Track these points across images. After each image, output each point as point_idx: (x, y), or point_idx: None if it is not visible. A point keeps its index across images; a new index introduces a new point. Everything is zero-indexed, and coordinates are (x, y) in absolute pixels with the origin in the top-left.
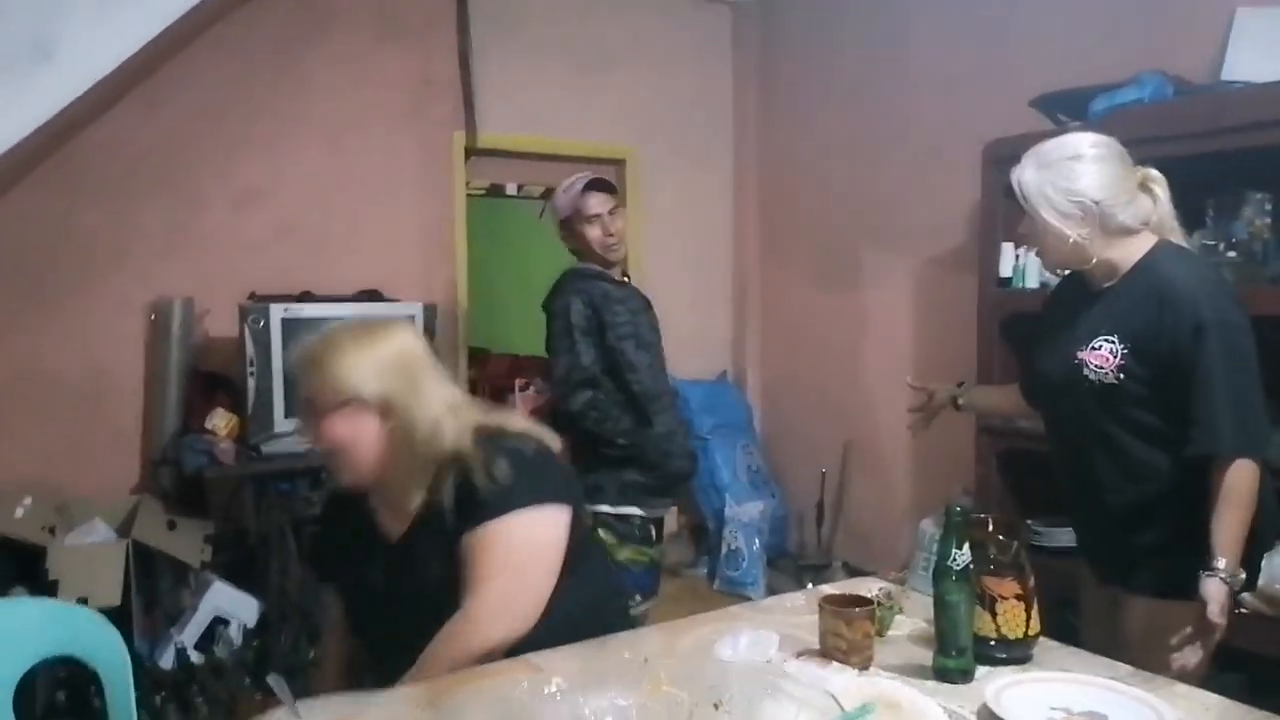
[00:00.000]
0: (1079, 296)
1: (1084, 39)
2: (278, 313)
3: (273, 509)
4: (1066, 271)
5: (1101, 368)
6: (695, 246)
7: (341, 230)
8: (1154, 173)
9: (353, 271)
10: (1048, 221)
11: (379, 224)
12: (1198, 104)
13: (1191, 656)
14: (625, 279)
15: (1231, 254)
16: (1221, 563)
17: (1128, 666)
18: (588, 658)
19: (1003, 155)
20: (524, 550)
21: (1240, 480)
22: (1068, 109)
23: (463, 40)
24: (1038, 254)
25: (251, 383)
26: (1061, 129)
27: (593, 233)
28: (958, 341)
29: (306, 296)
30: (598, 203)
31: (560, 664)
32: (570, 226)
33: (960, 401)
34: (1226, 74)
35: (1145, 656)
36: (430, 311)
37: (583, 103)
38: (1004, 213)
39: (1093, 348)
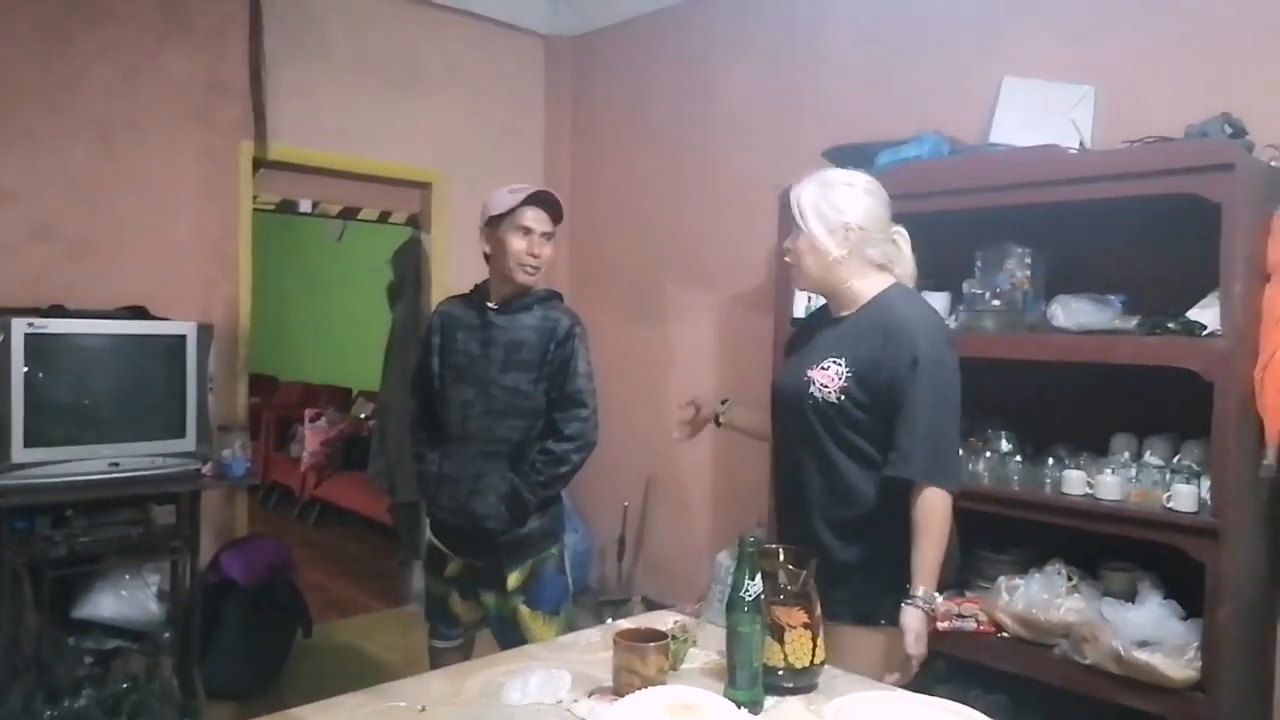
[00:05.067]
0: (821, 324)
1: (872, 98)
2: (20, 328)
3: (6, 550)
4: (810, 300)
5: (826, 386)
6: None
7: (107, 238)
8: (900, 228)
9: (118, 284)
10: (815, 236)
11: (151, 233)
12: (968, 163)
13: (890, 680)
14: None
15: (996, 303)
16: (920, 590)
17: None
18: (356, 708)
19: None
20: None
21: (933, 509)
22: (855, 161)
23: (255, 45)
24: (793, 272)
25: None
26: None
27: (517, 243)
28: (756, 377)
29: (57, 310)
30: (535, 217)
31: (325, 716)
32: (495, 227)
33: (721, 419)
34: (994, 137)
35: None
36: (205, 332)
37: (387, 122)
38: None
39: (822, 367)
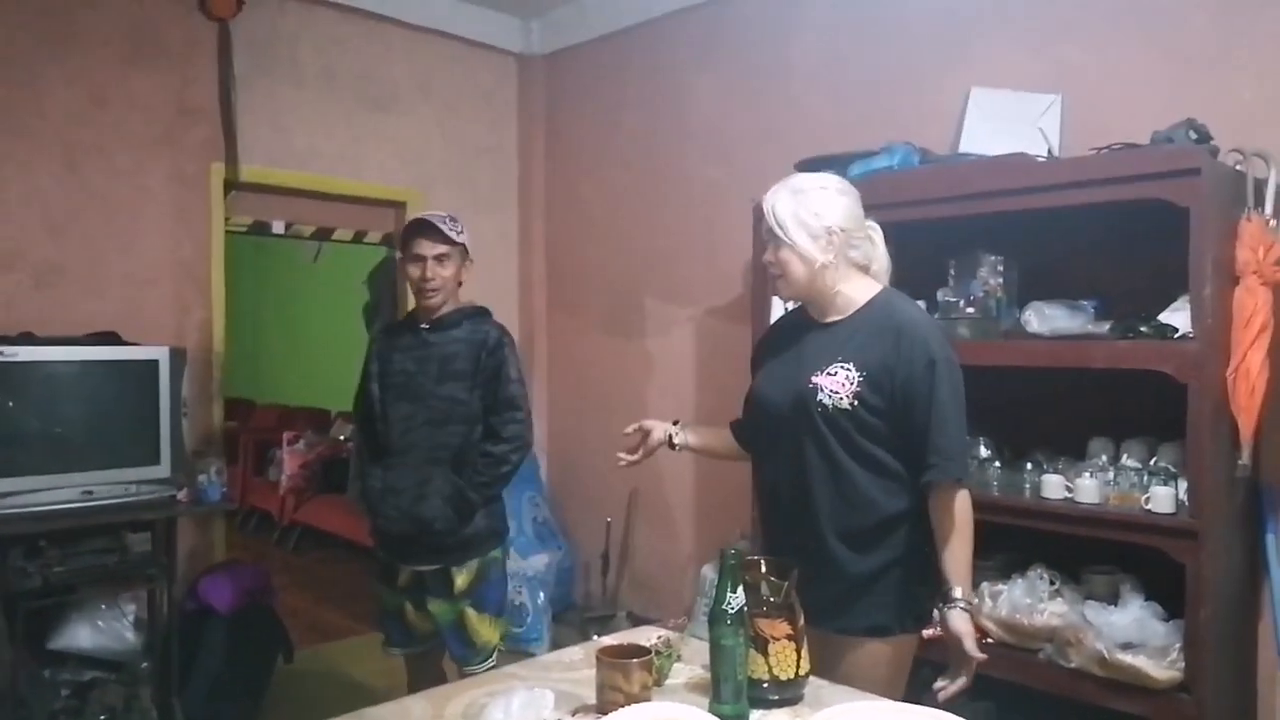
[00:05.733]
0: (804, 330)
1: (842, 110)
2: None
3: None
4: (789, 307)
5: (837, 392)
6: (480, 294)
7: (77, 263)
8: (873, 223)
9: (88, 310)
10: (797, 245)
11: (122, 258)
12: (939, 173)
13: (955, 688)
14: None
15: (970, 310)
16: (958, 591)
17: (891, 700)
18: None
19: None
20: None
21: (965, 509)
22: (828, 172)
23: (225, 66)
24: (777, 283)
25: None
26: None
27: (413, 272)
28: (735, 389)
29: (27, 338)
30: (423, 245)
31: None
32: (403, 257)
33: (676, 441)
34: (964, 146)
35: (867, 692)
36: (178, 356)
37: (360, 142)
38: None
39: (829, 373)
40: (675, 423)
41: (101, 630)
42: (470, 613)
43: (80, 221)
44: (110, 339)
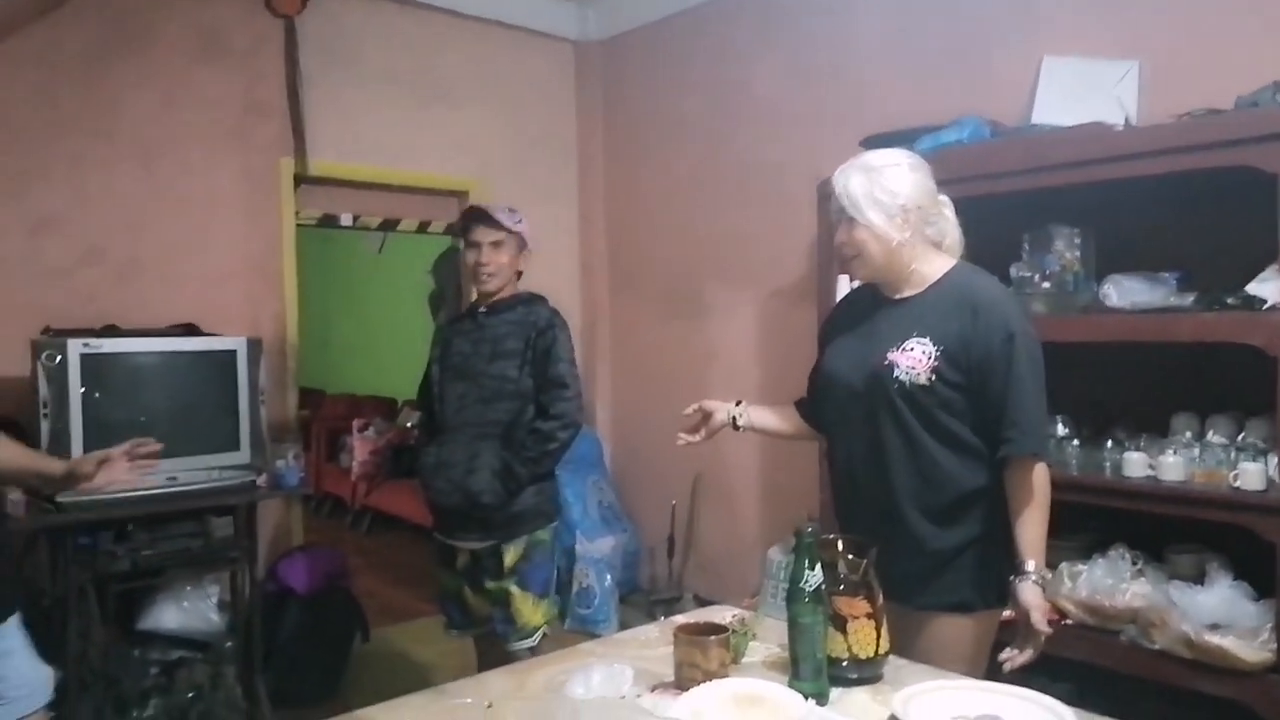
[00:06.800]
0: (875, 305)
1: (908, 83)
2: (76, 348)
3: (72, 566)
4: (855, 285)
5: (914, 368)
6: (543, 281)
7: (155, 258)
8: (944, 197)
9: (168, 303)
10: (873, 224)
11: (198, 252)
12: (1011, 145)
13: (1021, 659)
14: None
15: (1045, 285)
16: (1031, 564)
17: (973, 679)
18: (421, 707)
19: None
20: None
21: (1043, 483)
22: (894, 148)
23: (291, 64)
24: (851, 264)
25: (45, 426)
26: None
27: (470, 258)
28: (799, 371)
29: (111, 330)
30: (478, 232)
31: (391, 716)
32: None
33: (739, 422)
34: (1036, 117)
35: (950, 669)
36: (255, 346)
37: (422, 133)
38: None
39: (905, 349)
40: (737, 403)
41: (187, 611)
42: (515, 590)
43: (158, 218)
44: (190, 331)
